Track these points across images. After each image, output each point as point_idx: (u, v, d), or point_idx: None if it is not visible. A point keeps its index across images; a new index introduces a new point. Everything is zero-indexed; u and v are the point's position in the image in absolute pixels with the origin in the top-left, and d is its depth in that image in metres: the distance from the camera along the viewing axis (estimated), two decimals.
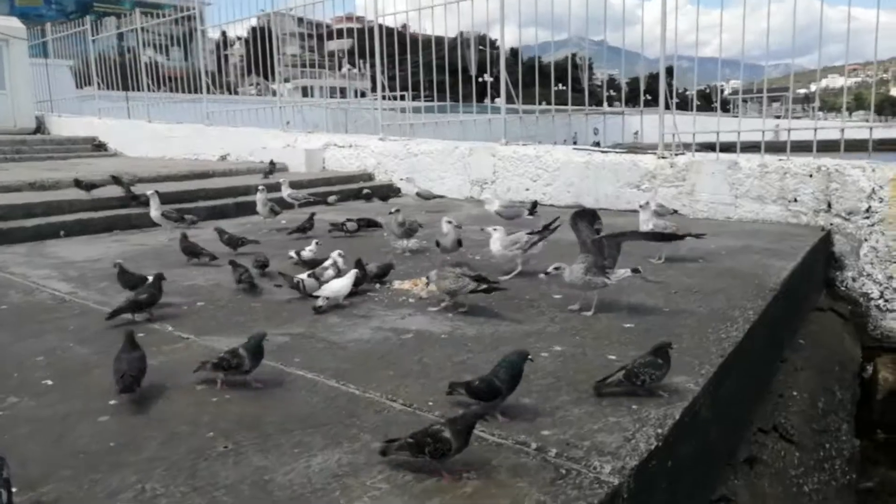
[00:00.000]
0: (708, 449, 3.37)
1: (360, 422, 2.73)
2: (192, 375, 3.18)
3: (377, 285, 4.89)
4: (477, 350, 3.57)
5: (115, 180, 7.82)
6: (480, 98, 11.49)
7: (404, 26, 13.57)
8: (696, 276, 5.28)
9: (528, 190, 9.65)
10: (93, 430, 2.65)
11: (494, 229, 5.17)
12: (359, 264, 4.74)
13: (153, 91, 15.37)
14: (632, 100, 13.50)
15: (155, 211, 6.27)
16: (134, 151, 14.13)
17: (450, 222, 5.39)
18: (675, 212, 7.76)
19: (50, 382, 3.15)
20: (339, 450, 2.49)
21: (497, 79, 13.37)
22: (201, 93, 15.53)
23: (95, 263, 5.60)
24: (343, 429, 2.67)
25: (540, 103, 16.47)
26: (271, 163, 9.04)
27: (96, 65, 16.86)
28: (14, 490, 2.19)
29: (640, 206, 6.67)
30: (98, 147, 14.67)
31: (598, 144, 17.74)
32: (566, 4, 10.06)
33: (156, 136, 13.86)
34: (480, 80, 11.83)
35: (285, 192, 7.69)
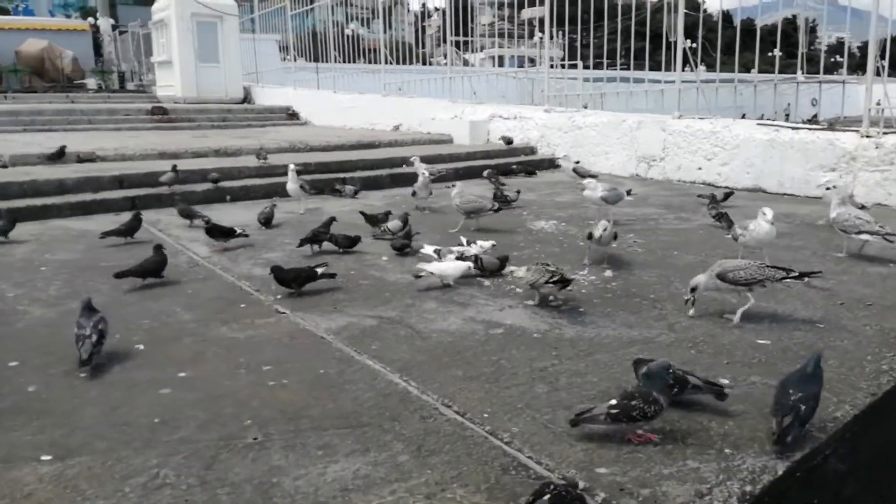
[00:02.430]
0: None
1: (399, 427, 2.50)
2: (265, 354, 3.16)
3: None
4: (565, 356, 3.17)
5: (257, 156, 8.24)
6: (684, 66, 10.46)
7: None
8: (877, 285, 4.35)
9: (700, 169, 8.70)
10: (149, 402, 2.69)
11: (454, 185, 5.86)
12: (476, 260, 4.49)
13: (338, 63, 16.12)
14: (862, 67, 11.64)
15: (291, 184, 6.49)
16: (321, 120, 14.93)
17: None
18: (863, 206, 6.42)
19: (141, 347, 3.28)
20: (364, 458, 2.29)
21: (704, 43, 12.16)
22: (401, 63, 16.03)
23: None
24: (379, 433, 2.46)
25: (749, 71, 14.82)
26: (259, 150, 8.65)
27: (294, 38, 18.06)
28: (49, 458, 2.27)
29: (828, 189, 5.72)
30: (291, 116, 15.72)
31: (815, 118, 15.64)
32: None
33: (340, 107, 14.51)
34: (685, 46, 10.81)
35: (419, 169, 7.59)
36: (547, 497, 1.93)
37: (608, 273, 4.57)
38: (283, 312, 3.80)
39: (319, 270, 4.15)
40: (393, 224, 5.45)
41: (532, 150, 10.55)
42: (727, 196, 7.04)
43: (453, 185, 5.91)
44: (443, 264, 4.41)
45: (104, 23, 22.88)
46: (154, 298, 4.03)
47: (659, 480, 2.17)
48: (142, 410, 2.62)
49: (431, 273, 4.25)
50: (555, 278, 3.72)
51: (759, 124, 8.54)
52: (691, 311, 3.74)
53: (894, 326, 3.57)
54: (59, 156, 7.91)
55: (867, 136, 7.36)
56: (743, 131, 8.38)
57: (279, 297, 4.05)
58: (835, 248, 5.18)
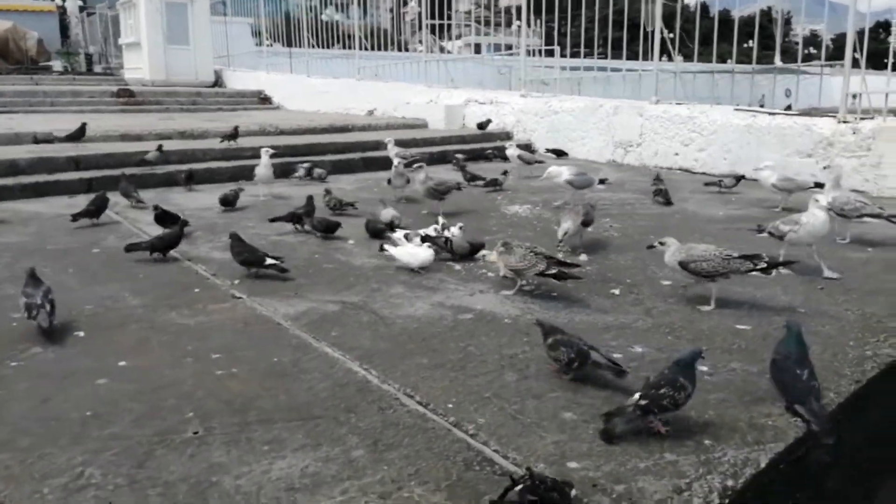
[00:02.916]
0: None
1: (356, 419, 2.30)
2: (216, 341, 2.94)
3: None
4: (537, 342, 2.97)
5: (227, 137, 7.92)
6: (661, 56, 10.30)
7: None
8: (859, 268, 4.23)
9: (677, 155, 8.57)
10: (83, 394, 2.46)
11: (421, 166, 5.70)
12: (446, 242, 4.30)
13: (313, 48, 15.74)
14: (837, 58, 11.55)
15: (263, 168, 6.21)
16: (294, 105, 14.56)
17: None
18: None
19: (82, 334, 3.04)
20: (314, 454, 2.08)
21: (682, 33, 12.03)
22: (378, 49, 15.67)
23: (204, 212, 5.63)
24: (333, 427, 2.25)
25: (725, 62, 14.75)
26: (234, 129, 8.37)
27: (268, 22, 17.63)
28: None
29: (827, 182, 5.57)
30: (264, 101, 15.32)
31: (788, 108, 15.62)
32: None
33: (313, 91, 14.15)
34: (662, 36, 10.64)
35: (392, 152, 7.34)
36: (518, 488, 1.76)
37: (583, 257, 4.40)
38: (240, 297, 3.57)
39: (269, 261, 3.88)
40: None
41: (508, 136, 10.34)
42: (738, 180, 6.89)
43: (420, 167, 5.68)
44: (404, 249, 4.18)
45: (71, 4, 22.20)
46: (101, 282, 3.78)
47: (634, 475, 2.00)
48: (73, 403, 2.39)
49: (395, 258, 4.06)
50: (551, 270, 3.48)
51: (736, 110, 8.41)
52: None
53: (875, 311, 3.44)
54: (80, 135, 7.63)
55: (844, 122, 7.27)
56: (720, 117, 8.26)
57: (236, 281, 3.81)
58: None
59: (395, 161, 6.35)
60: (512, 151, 7.57)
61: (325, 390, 2.52)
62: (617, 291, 3.75)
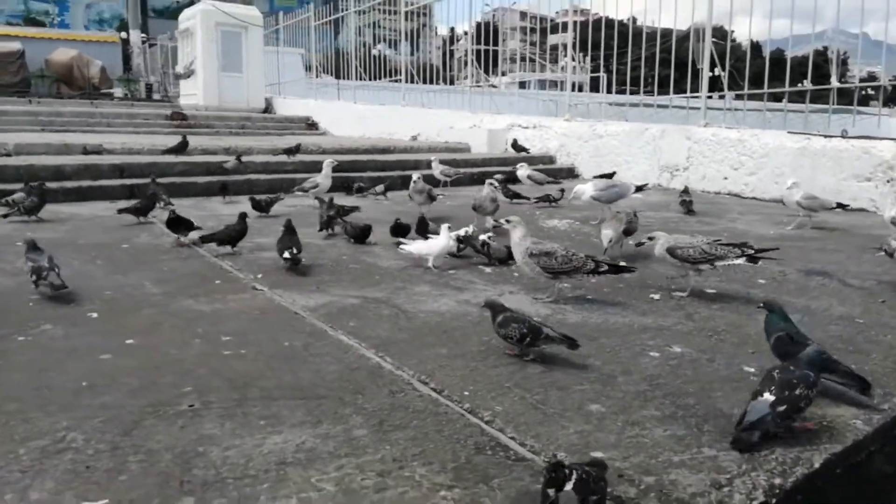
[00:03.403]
0: None
1: (362, 401, 2.13)
2: (228, 326, 2.82)
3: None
4: None
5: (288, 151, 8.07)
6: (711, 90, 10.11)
7: (631, 19, 12.54)
8: None
9: (726, 179, 8.26)
10: (82, 367, 2.35)
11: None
12: (483, 245, 4.14)
13: (361, 80, 15.98)
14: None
15: (323, 178, 6.25)
16: (339, 130, 14.72)
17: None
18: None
19: (95, 315, 2.95)
20: (313, 431, 1.91)
21: (732, 71, 11.72)
22: (427, 83, 15.87)
23: (231, 218, 5.58)
24: (337, 406, 2.08)
25: (780, 101, 14.37)
26: (297, 146, 8.59)
27: (319, 56, 18.02)
28: None
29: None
30: (311, 126, 15.54)
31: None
32: None
33: (359, 117, 14.31)
34: (713, 74, 10.44)
35: (436, 170, 7.28)
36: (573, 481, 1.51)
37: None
38: (260, 289, 3.46)
39: (286, 255, 3.78)
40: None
41: (551, 160, 10.18)
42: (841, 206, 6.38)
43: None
44: (421, 242, 4.04)
45: (134, 35, 23.10)
46: (124, 273, 3.71)
47: (667, 468, 1.77)
48: (71, 375, 2.28)
49: (411, 253, 3.91)
50: (602, 268, 3.32)
51: (789, 133, 8.08)
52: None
53: None
54: (182, 148, 7.92)
55: None
56: (772, 140, 7.94)
57: (259, 275, 3.71)
58: (871, 250, 4.72)
59: (415, 176, 6.01)
60: (522, 172, 7.34)
61: (333, 373, 2.35)
62: (657, 297, 3.51)
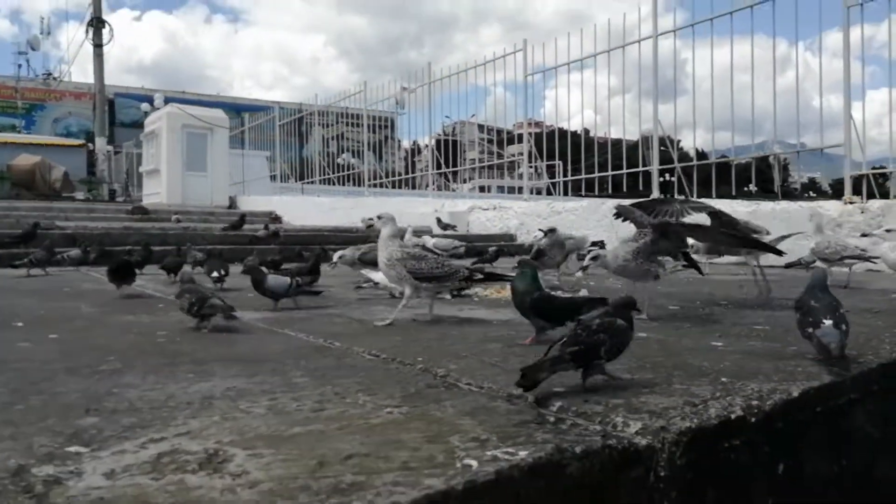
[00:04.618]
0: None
1: (306, 363, 1.94)
2: (166, 328, 2.61)
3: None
4: (524, 330, 2.63)
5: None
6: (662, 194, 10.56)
7: (584, 130, 13.30)
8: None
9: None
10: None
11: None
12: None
13: (325, 185, 16.36)
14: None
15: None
16: (304, 222, 14.79)
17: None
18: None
19: (20, 324, 2.72)
20: (247, 380, 1.71)
21: (680, 177, 12.32)
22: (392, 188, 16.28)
23: None
24: (276, 366, 1.89)
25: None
26: (242, 216, 8.66)
27: (284, 164, 18.47)
28: None
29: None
30: (274, 219, 15.57)
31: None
32: (762, 107, 8.99)
33: (323, 209, 14.40)
34: (662, 179, 10.96)
35: (430, 242, 7.09)
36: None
37: (583, 292, 4.08)
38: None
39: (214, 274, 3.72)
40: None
41: (511, 238, 10.26)
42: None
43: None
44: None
45: (100, 142, 23.37)
46: (61, 301, 3.49)
47: (639, 394, 1.61)
48: None
49: (375, 283, 3.77)
50: (478, 276, 2.96)
51: (740, 200, 8.33)
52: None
53: None
54: (240, 224, 8.10)
55: (850, 203, 7.12)
56: (724, 206, 8.12)
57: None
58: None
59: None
60: (427, 240, 7.23)
61: (277, 349, 2.16)
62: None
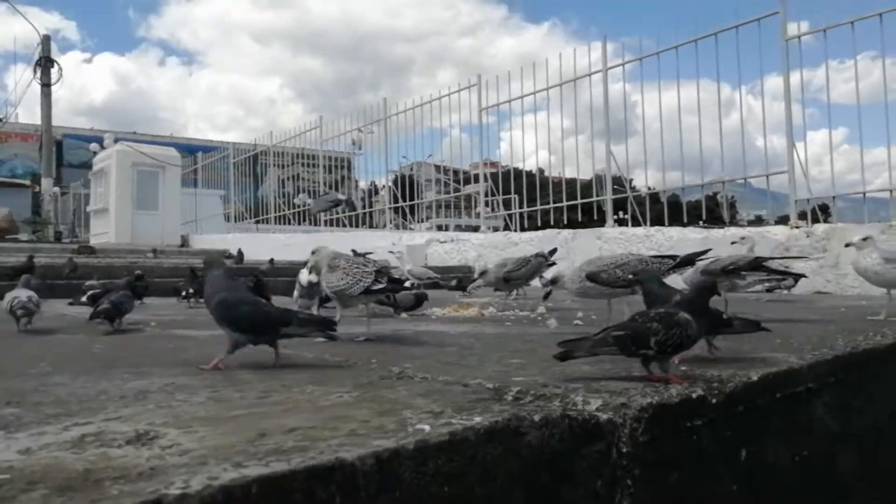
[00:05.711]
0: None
1: (252, 365, 1.84)
2: (106, 343, 2.48)
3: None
4: (485, 339, 2.58)
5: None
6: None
7: (538, 170, 13.52)
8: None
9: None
10: None
11: None
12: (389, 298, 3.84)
13: (280, 225, 16.21)
14: None
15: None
16: (258, 258, 14.54)
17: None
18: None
19: None
20: (186, 378, 1.61)
21: (635, 213, 12.66)
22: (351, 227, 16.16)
23: None
24: (224, 373, 1.79)
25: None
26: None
27: (236, 205, 18.26)
28: None
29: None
30: (228, 257, 15.31)
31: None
32: (709, 147, 9.28)
33: (278, 245, 14.19)
34: (616, 217, 11.20)
35: (405, 268, 6.90)
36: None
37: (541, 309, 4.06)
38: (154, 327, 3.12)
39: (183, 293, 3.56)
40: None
41: (469, 269, 10.25)
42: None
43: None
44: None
45: (46, 183, 22.73)
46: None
47: (598, 381, 1.56)
48: None
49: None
50: (378, 286, 2.48)
51: (692, 228, 8.52)
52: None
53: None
54: (240, 259, 8.25)
55: (797, 227, 7.33)
56: (676, 233, 8.32)
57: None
58: None
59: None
60: (304, 277, 7.03)
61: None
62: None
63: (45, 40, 22.46)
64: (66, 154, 35.22)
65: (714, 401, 1.50)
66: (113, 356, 1.98)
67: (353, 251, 5.38)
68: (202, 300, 4.13)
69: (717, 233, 7.96)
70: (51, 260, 7.92)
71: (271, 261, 7.24)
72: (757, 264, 3.40)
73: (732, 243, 6.08)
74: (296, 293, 3.64)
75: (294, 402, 1.26)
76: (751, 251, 5.08)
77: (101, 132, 29.20)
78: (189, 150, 23.40)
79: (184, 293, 4.69)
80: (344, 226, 15.98)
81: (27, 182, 24.13)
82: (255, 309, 1.78)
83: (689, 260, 3.15)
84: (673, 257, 3.12)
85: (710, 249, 3.46)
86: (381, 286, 2.44)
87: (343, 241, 12.86)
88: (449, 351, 2.15)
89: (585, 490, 1.15)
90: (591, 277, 3.13)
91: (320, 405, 1.24)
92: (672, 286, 2.05)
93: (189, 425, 1.08)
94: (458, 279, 7.86)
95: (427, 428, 0.98)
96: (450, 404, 1.19)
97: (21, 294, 2.86)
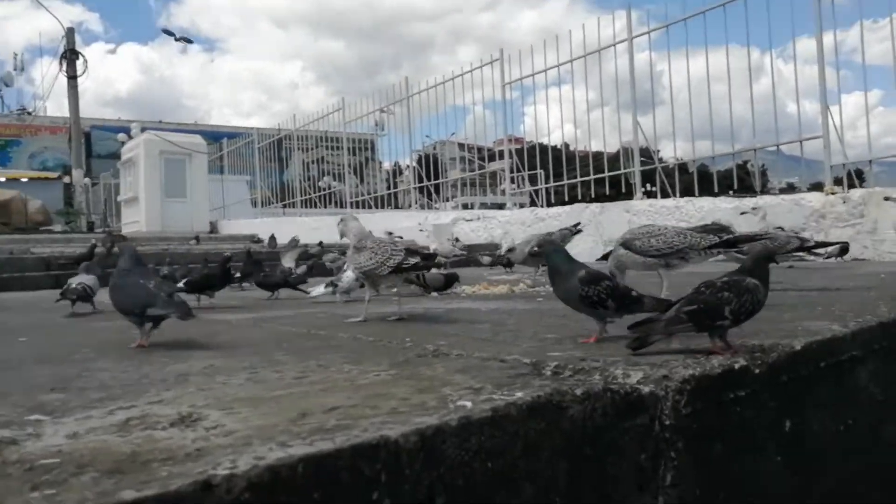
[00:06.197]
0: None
1: (288, 345, 1.86)
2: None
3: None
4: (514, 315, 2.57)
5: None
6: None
7: (564, 144, 13.30)
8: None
9: None
10: None
11: None
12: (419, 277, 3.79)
13: (306, 208, 16.31)
14: None
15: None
16: (284, 241, 14.70)
17: None
18: None
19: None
20: (225, 360, 1.63)
21: (664, 184, 12.49)
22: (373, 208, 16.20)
23: None
24: (255, 350, 1.81)
25: None
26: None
27: (264, 188, 18.38)
28: None
29: None
30: (256, 242, 15.45)
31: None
32: (739, 115, 9.07)
33: (306, 229, 14.24)
34: (644, 190, 11.02)
35: (432, 246, 6.99)
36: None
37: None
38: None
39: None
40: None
41: (496, 247, 10.22)
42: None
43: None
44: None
45: (77, 174, 23.13)
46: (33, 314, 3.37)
47: (624, 355, 1.54)
48: None
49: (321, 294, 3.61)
50: (410, 262, 2.44)
51: (722, 198, 8.37)
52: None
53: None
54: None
55: (832, 193, 7.16)
56: (708, 203, 8.17)
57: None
58: None
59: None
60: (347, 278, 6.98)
61: (257, 337, 2.08)
62: None
63: (70, 33, 22.72)
64: (95, 145, 35.78)
65: (757, 371, 1.47)
66: (152, 341, 2.01)
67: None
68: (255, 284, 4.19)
69: (749, 202, 7.82)
70: (84, 250, 8.10)
71: (320, 243, 7.39)
72: (803, 247, 3.29)
73: (742, 213, 5.98)
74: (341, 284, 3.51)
75: (332, 382, 1.27)
76: (763, 220, 5.01)
77: (128, 122, 29.62)
78: (214, 136, 23.66)
79: (238, 275, 4.49)
80: (369, 207, 16.04)
81: (57, 174, 24.57)
82: (119, 295, 1.90)
83: (735, 242, 2.97)
84: (719, 233, 2.90)
85: (767, 234, 3.32)
86: (412, 263, 2.42)
87: (370, 222, 12.93)
88: (482, 328, 2.14)
89: (629, 463, 1.14)
90: (626, 245, 3.08)
91: (359, 384, 1.24)
92: (579, 261, 1.89)
93: (231, 406, 1.09)
94: (492, 255, 7.85)
95: (469, 404, 0.97)
96: (489, 380, 1.18)
97: (83, 279, 2.98)
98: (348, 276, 3.39)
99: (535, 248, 2.41)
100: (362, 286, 3.20)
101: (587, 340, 1.72)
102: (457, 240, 7.69)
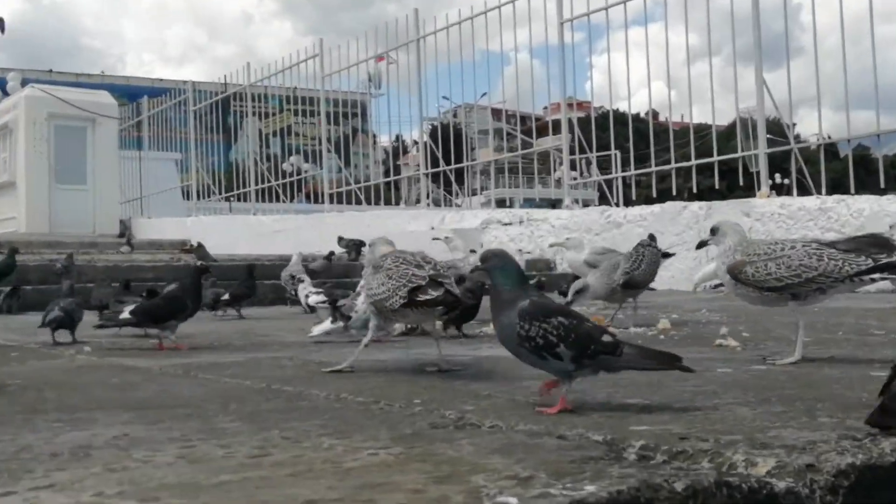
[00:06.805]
0: None
1: (238, 406, 1.89)
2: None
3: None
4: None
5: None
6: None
7: (651, 113, 13.13)
8: None
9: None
10: None
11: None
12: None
13: (265, 203, 16.33)
14: None
15: None
16: (231, 252, 14.75)
17: None
18: None
19: None
20: (146, 428, 1.65)
21: (803, 172, 12.47)
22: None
23: None
24: (192, 410, 1.83)
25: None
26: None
27: (198, 172, 18.52)
28: None
29: None
30: (188, 251, 15.57)
31: None
32: None
33: (259, 232, 14.40)
34: (772, 183, 10.97)
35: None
36: None
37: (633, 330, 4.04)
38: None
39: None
40: None
41: (547, 264, 10.26)
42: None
43: None
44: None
45: None
46: None
47: (765, 431, 1.54)
48: None
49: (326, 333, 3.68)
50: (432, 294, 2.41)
51: (891, 196, 8.35)
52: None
53: None
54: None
55: None
56: (868, 205, 8.14)
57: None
58: None
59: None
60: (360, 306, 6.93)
61: (193, 393, 2.10)
62: None
63: None
64: None
65: None
66: (36, 396, 2.04)
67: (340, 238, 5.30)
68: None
69: None
70: None
71: (330, 255, 8.12)
72: None
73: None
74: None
75: (306, 463, 1.28)
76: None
77: (3, 71, 30.11)
78: (129, 94, 24.07)
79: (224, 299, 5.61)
80: (357, 202, 15.92)
81: None
82: None
83: None
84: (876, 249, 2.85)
85: None
86: (433, 296, 2.39)
87: (359, 225, 13.01)
88: (528, 386, 2.14)
89: None
90: (733, 272, 3.04)
91: (346, 467, 1.25)
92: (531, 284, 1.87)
93: (155, 498, 1.10)
94: (539, 281, 7.84)
95: (515, 501, 0.97)
96: (542, 466, 1.19)
97: None
98: (361, 302, 3.35)
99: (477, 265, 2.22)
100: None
101: (545, 411, 1.72)
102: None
